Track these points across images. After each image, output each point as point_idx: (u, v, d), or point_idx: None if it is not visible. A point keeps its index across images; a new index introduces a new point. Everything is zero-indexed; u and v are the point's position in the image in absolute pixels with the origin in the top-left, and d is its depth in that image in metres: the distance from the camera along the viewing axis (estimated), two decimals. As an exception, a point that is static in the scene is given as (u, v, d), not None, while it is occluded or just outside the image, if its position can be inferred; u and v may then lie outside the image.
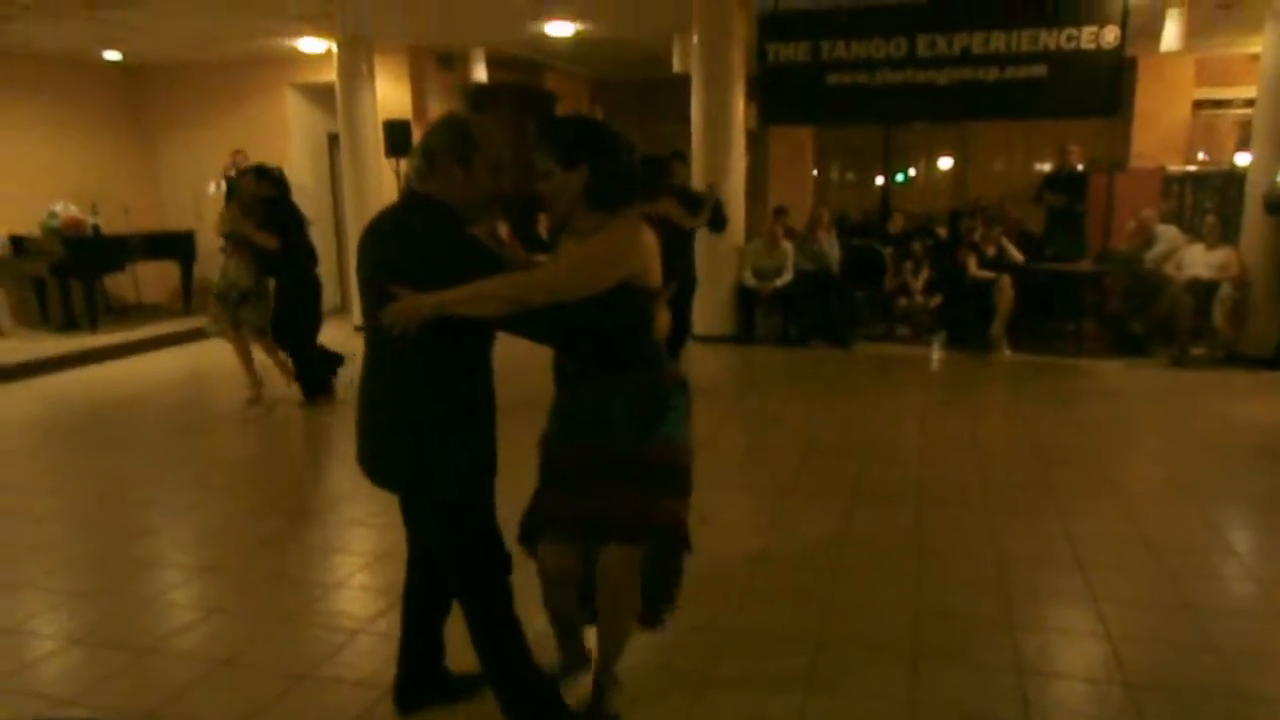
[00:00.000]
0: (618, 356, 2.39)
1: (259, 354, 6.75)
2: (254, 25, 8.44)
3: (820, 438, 5.67)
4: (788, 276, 8.62)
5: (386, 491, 2.48)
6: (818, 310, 8.68)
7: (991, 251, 8.26)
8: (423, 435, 2.28)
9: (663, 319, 2.51)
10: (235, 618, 3.36)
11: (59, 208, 9.39)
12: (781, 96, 8.59)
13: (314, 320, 6.68)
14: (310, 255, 6.64)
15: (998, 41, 7.86)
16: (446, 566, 2.48)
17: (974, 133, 12.52)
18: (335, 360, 6.86)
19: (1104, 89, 7.78)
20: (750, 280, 8.70)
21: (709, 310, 8.50)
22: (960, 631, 3.14)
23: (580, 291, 2.23)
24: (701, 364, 7.29)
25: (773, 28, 8.41)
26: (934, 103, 8.17)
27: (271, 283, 6.55)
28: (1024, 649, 3.01)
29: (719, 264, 8.51)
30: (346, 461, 5.27)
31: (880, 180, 12.82)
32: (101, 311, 9.59)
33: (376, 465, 2.42)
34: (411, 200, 2.38)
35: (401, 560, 2.72)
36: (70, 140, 10.18)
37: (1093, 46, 7.66)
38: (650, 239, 2.39)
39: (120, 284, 10.44)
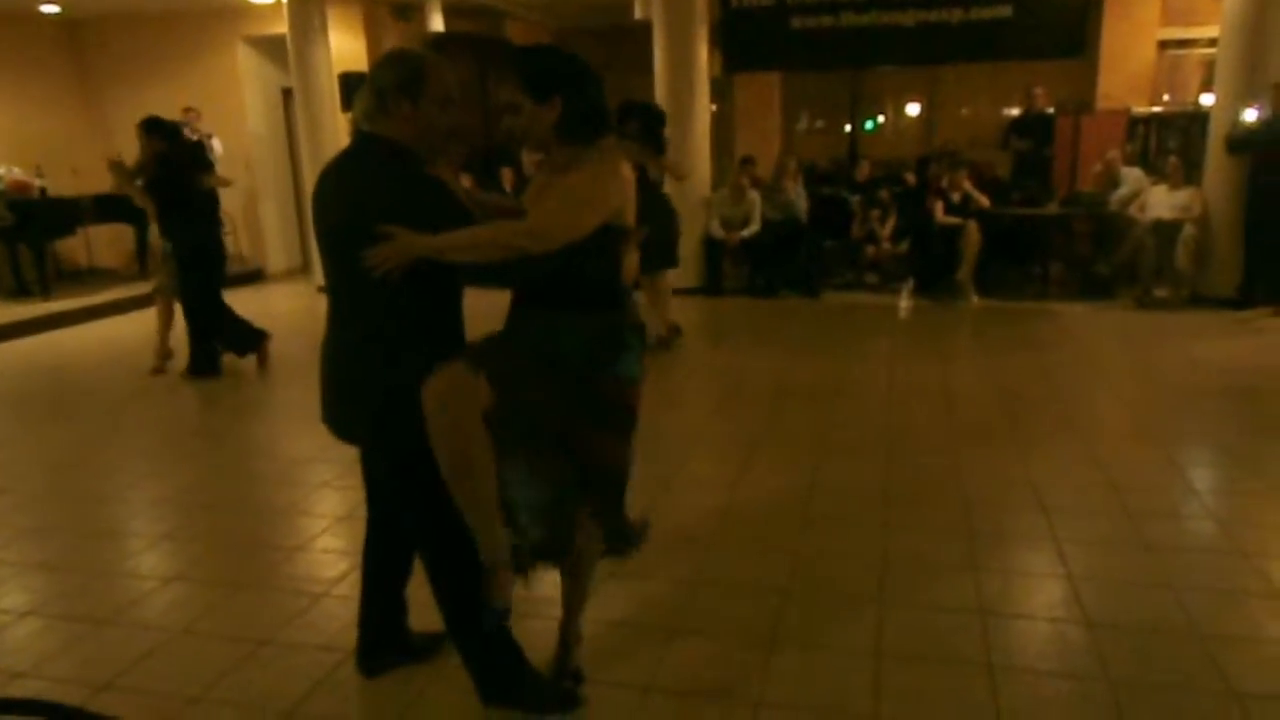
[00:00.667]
0: (584, 296, 2.31)
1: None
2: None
3: (789, 388, 5.66)
4: (755, 227, 8.55)
5: (351, 447, 2.45)
6: (786, 260, 8.63)
7: (957, 197, 8.23)
8: (385, 387, 2.22)
9: (631, 261, 2.45)
10: (195, 585, 3.31)
11: (2, 170, 9.07)
12: (745, 42, 8.46)
13: (210, 290, 6.29)
14: (205, 218, 6.30)
15: (961, -19, 7.76)
16: (407, 521, 2.43)
17: (941, 78, 12.40)
18: (256, 336, 6.51)
19: (1069, 30, 7.73)
20: (717, 231, 8.62)
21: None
22: (925, 576, 3.15)
23: (572, 233, 2.15)
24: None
25: (735, -29, 8.24)
26: (899, 46, 8.08)
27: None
28: (986, 590, 3.03)
29: (686, 215, 8.38)
30: (310, 425, 5.19)
31: (848, 128, 12.70)
32: (53, 277, 9.33)
33: (339, 418, 2.37)
34: (363, 142, 2.30)
35: (364, 522, 2.67)
36: (10, 99, 9.80)
37: (1058, -14, 7.58)
38: (628, 174, 2.32)
39: (72, 248, 10.16)
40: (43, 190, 9.26)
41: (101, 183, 10.43)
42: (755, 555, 3.37)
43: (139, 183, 6.07)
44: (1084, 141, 9.20)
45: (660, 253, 6.31)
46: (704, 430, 5.07)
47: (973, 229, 8.03)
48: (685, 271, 8.57)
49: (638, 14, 9.24)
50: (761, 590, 3.08)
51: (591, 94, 2.28)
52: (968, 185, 8.26)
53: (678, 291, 8.07)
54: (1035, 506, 3.71)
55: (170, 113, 9.63)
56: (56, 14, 9.47)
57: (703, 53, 8.45)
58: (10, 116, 9.78)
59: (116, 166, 6.23)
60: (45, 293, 8.95)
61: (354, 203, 2.18)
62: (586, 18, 12.20)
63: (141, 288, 9.56)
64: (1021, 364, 6.09)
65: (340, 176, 2.26)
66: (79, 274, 10.14)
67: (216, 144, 9.71)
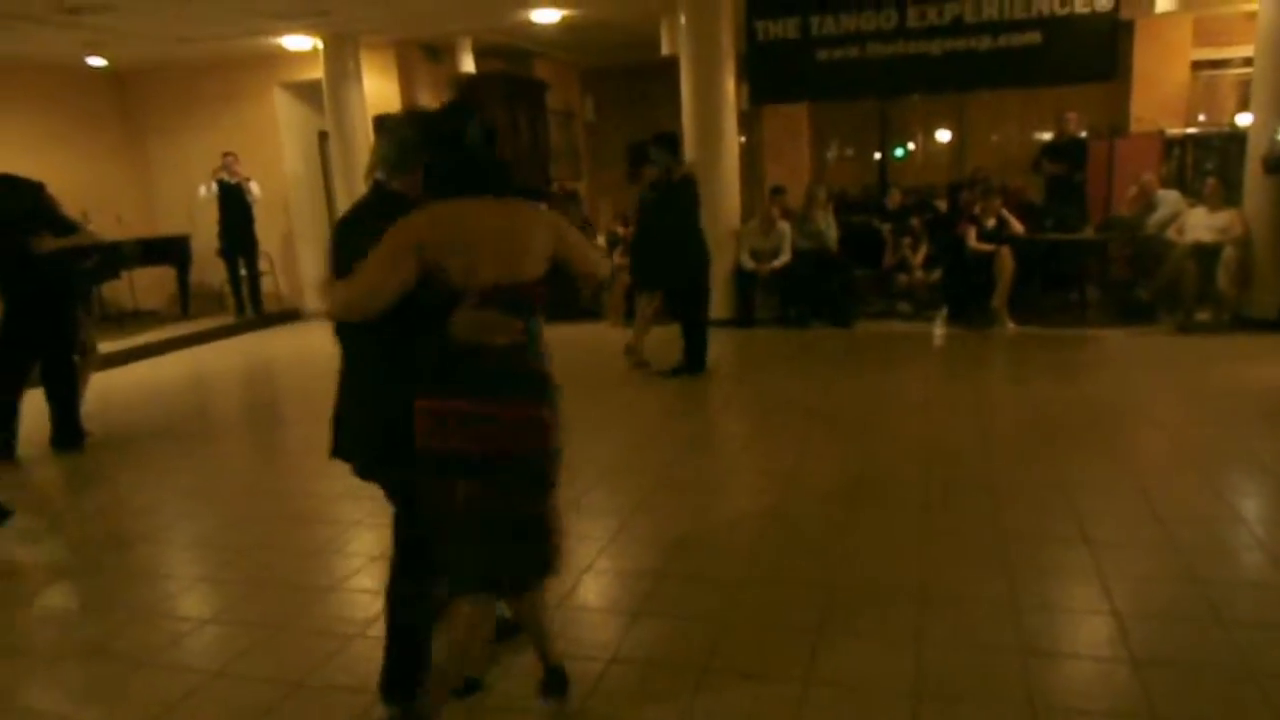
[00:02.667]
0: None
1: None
2: (231, 24, 8.35)
3: (822, 418, 5.60)
4: (785, 257, 8.53)
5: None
6: (817, 290, 8.60)
7: (991, 223, 8.15)
8: (380, 419, 2.41)
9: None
10: (231, 626, 3.32)
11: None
12: (772, 75, 8.49)
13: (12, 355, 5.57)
14: (18, 287, 5.49)
15: (990, 9, 7.74)
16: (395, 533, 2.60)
17: (971, 103, 12.37)
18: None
19: (1100, 54, 7.66)
20: (748, 262, 8.61)
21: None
22: (964, 612, 3.08)
23: (351, 301, 2.23)
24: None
25: (761, 5, 8.30)
26: (928, 75, 8.06)
27: None
28: (1028, 627, 2.95)
29: (715, 247, 8.40)
30: (341, 464, 5.24)
31: (878, 156, 12.68)
32: (99, 319, 9.56)
33: (348, 449, 2.56)
34: (377, 196, 2.44)
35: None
36: (60, 149, 10.11)
37: (1087, 10, 7.54)
38: (448, 213, 2.24)
39: (117, 291, 10.41)
40: (89, 236, 9.49)
41: (145, 228, 10.74)
42: (788, 589, 3.32)
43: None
44: (1118, 165, 9.09)
45: (649, 275, 6.73)
46: (735, 463, 5.03)
47: (1006, 255, 7.94)
48: (716, 303, 8.56)
49: (664, 49, 9.33)
50: (794, 627, 3.03)
51: (453, 156, 2.31)
52: (1003, 211, 8.19)
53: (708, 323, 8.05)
54: (1078, 538, 3.62)
55: (211, 158, 9.95)
56: (103, 66, 9.79)
57: (730, 85, 8.51)
58: (60, 164, 10.04)
59: None
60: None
61: (355, 254, 2.23)
62: (614, 54, 12.36)
63: (185, 328, 9.79)
64: (1060, 391, 5.98)
65: (353, 228, 2.41)
66: (123, 316, 10.38)
67: (254, 187, 9.94)
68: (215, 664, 3.03)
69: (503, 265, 2.24)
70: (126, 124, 11.06)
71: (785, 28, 8.23)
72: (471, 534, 2.32)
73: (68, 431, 5.76)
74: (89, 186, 10.30)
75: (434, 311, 2.22)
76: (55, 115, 10.16)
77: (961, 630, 2.97)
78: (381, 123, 2.66)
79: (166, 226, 10.87)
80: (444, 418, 2.26)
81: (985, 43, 7.83)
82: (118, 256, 9.66)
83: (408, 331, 2.28)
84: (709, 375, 6.75)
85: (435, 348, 2.26)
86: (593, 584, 3.49)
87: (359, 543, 4.03)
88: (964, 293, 8.33)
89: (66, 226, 5.69)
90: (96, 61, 9.34)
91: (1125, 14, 7.99)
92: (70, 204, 9.76)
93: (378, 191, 2.46)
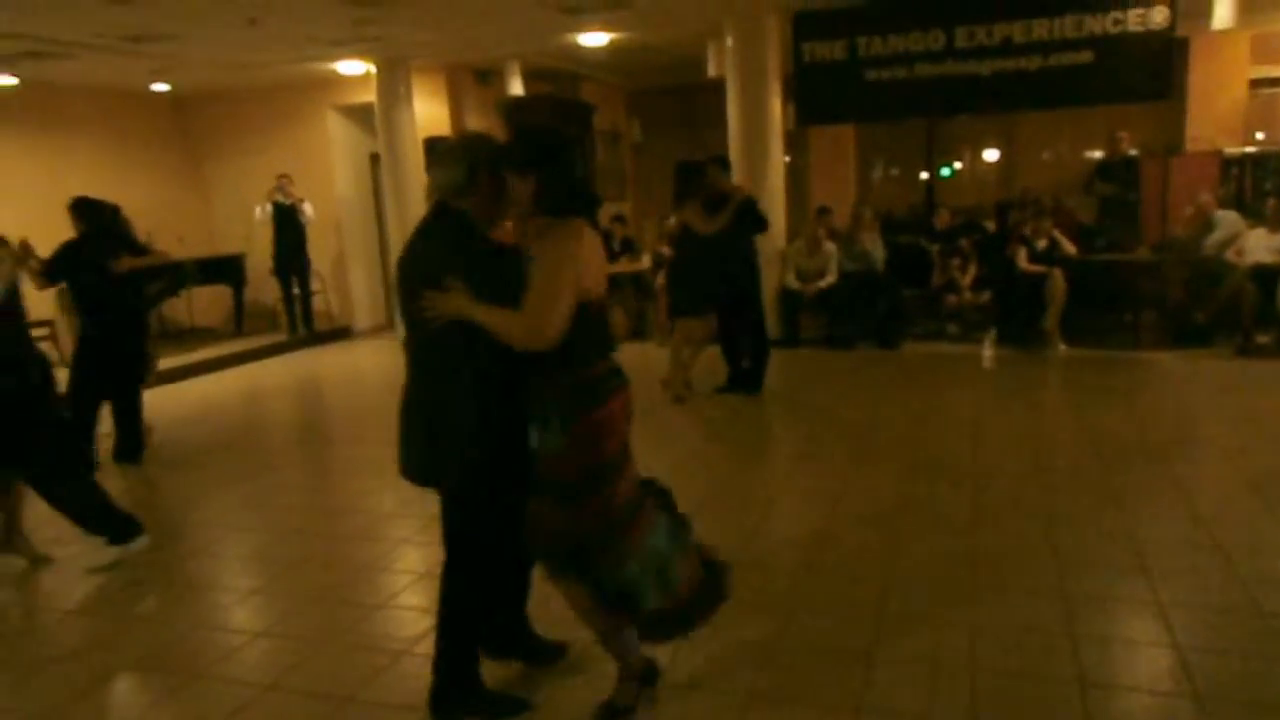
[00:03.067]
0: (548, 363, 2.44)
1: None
2: (289, 51, 8.58)
3: (869, 442, 5.55)
4: (831, 278, 8.49)
5: (431, 504, 2.68)
6: (864, 311, 8.53)
7: (1043, 244, 8.03)
8: (464, 431, 2.49)
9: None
10: (282, 640, 3.38)
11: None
12: (819, 95, 8.49)
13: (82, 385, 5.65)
14: (98, 308, 5.64)
15: (1040, 29, 7.66)
16: (454, 529, 2.65)
17: (1020, 122, 12.21)
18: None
19: (1154, 72, 7.53)
20: (793, 282, 8.59)
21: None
22: (1018, 641, 3.02)
23: (551, 324, 2.34)
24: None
25: (808, 27, 8.31)
26: (976, 95, 7.99)
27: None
28: (1085, 659, 2.88)
29: (761, 267, 8.40)
30: (391, 481, 5.30)
31: (924, 175, 12.59)
32: (158, 335, 9.82)
33: (413, 465, 2.63)
34: (444, 215, 2.57)
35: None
36: (126, 170, 10.46)
37: (1140, 29, 7.43)
38: (588, 244, 2.46)
39: (176, 308, 10.69)
40: (149, 255, 9.78)
41: (203, 247, 11.03)
42: (837, 613, 3.28)
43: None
44: (1173, 185, 8.92)
45: (688, 299, 6.64)
46: (783, 485, 4.99)
47: (1058, 276, 7.81)
48: (761, 324, 8.54)
49: (711, 71, 9.38)
50: (845, 654, 3.00)
51: (566, 174, 2.48)
52: (1055, 232, 8.07)
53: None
54: (1135, 568, 3.53)
55: (266, 180, 10.20)
56: (166, 92, 10.11)
57: (776, 107, 8.52)
58: (125, 186, 10.38)
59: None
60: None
61: (430, 273, 2.44)
62: (660, 76, 12.45)
63: (240, 345, 10.01)
64: (1114, 415, 5.85)
65: (421, 247, 2.55)
66: (181, 333, 10.66)
67: (308, 208, 10.16)
68: (268, 677, 3.08)
69: (597, 282, 2.51)
70: (187, 147, 11.40)
71: (833, 49, 8.23)
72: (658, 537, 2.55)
73: (131, 444, 5.93)
74: (152, 207, 10.62)
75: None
76: (121, 139, 10.51)
77: (1016, 660, 2.91)
78: (435, 145, 2.75)
79: (223, 246, 11.16)
80: (615, 419, 2.49)
81: (1035, 62, 7.75)
82: (179, 275, 9.95)
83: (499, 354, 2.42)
84: (755, 395, 6.72)
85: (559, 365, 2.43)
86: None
87: (406, 560, 4.08)
88: (1014, 314, 8.20)
89: (140, 247, 5.90)
90: (160, 87, 9.65)
91: (1180, 31, 7.84)
92: (136, 224, 10.13)
93: (447, 212, 2.55)
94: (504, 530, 2.56)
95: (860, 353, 8.32)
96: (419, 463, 2.61)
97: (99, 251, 5.57)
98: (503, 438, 2.48)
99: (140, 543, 4.28)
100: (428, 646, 3.17)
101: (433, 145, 9.65)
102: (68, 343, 9.51)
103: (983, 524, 4.09)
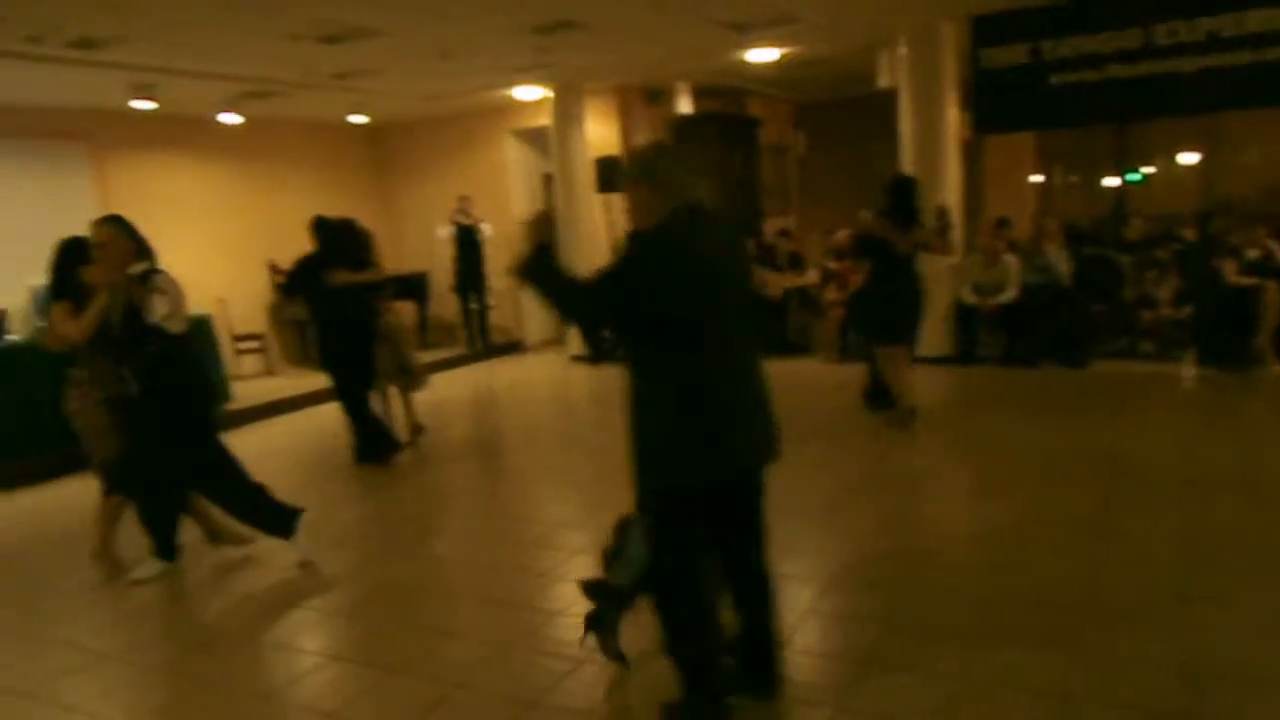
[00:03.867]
0: None
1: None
2: (476, 80, 9.08)
3: (1053, 469, 5.24)
4: (1012, 292, 8.11)
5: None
6: (1046, 326, 8.09)
7: (1254, 254, 7.36)
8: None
9: None
10: (468, 642, 3.57)
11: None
12: (999, 103, 8.14)
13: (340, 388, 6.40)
14: (322, 319, 6.39)
15: (1253, 21, 7.03)
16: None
17: (1221, 121, 11.24)
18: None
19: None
20: (970, 297, 8.26)
21: (924, 329, 8.13)
22: (1243, 694, 2.78)
23: None
24: (919, 386, 6.96)
25: (987, 32, 7.99)
26: (1177, 95, 7.43)
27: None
28: (1316, 718, 2.62)
29: (935, 282, 8.13)
30: (567, 491, 5.50)
31: (1111, 182, 11.79)
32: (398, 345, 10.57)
33: (768, 444, 2.75)
34: (715, 214, 2.72)
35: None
36: (329, 195, 11.38)
37: (1372, 16, 6.70)
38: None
39: (367, 323, 11.49)
40: (345, 273, 10.60)
41: (392, 265, 11.80)
42: (1027, 648, 3.13)
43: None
44: None
45: (885, 327, 6.33)
46: (956, 510, 4.81)
47: (1273, 290, 7.14)
48: (935, 339, 8.26)
49: (883, 83, 9.19)
50: (1042, 692, 2.86)
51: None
52: (1268, 241, 7.37)
53: (927, 360, 7.78)
54: (1374, 619, 3.17)
55: (448, 201, 10.81)
56: (363, 123, 10.95)
57: (952, 116, 8.25)
58: (327, 209, 11.22)
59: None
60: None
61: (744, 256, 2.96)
62: (828, 89, 12.31)
63: (423, 357, 10.61)
64: (1344, 446, 5.28)
65: (734, 238, 2.88)
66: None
67: (486, 228, 10.71)
68: (459, 676, 3.27)
69: None
70: (378, 172, 12.28)
71: (1014, 54, 7.87)
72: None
73: (366, 447, 6.36)
74: (348, 229, 11.53)
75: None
76: (325, 166, 11.47)
77: (1241, 716, 2.69)
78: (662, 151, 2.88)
79: (410, 264, 11.91)
80: None
81: (1245, 57, 7.12)
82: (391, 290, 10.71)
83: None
84: (924, 416, 6.49)
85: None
86: (815, 627, 3.46)
87: (581, 570, 4.21)
88: (1220, 331, 7.55)
89: (364, 261, 6.40)
90: (358, 119, 10.46)
91: None
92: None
93: (710, 212, 2.67)
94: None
95: (1042, 371, 7.90)
96: (774, 437, 2.74)
97: (322, 267, 6.15)
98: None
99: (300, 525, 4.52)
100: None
101: (602, 164, 9.94)
102: (277, 354, 10.46)
103: (1190, 563, 3.79)
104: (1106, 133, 11.40)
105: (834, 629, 3.45)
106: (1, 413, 6.63)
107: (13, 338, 6.71)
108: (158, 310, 4.10)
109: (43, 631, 3.98)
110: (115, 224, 4.17)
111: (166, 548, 4.48)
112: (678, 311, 2.49)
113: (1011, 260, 8.25)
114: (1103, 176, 12.20)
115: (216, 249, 10.02)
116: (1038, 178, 12.77)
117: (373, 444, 6.36)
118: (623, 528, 3.01)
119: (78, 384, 4.48)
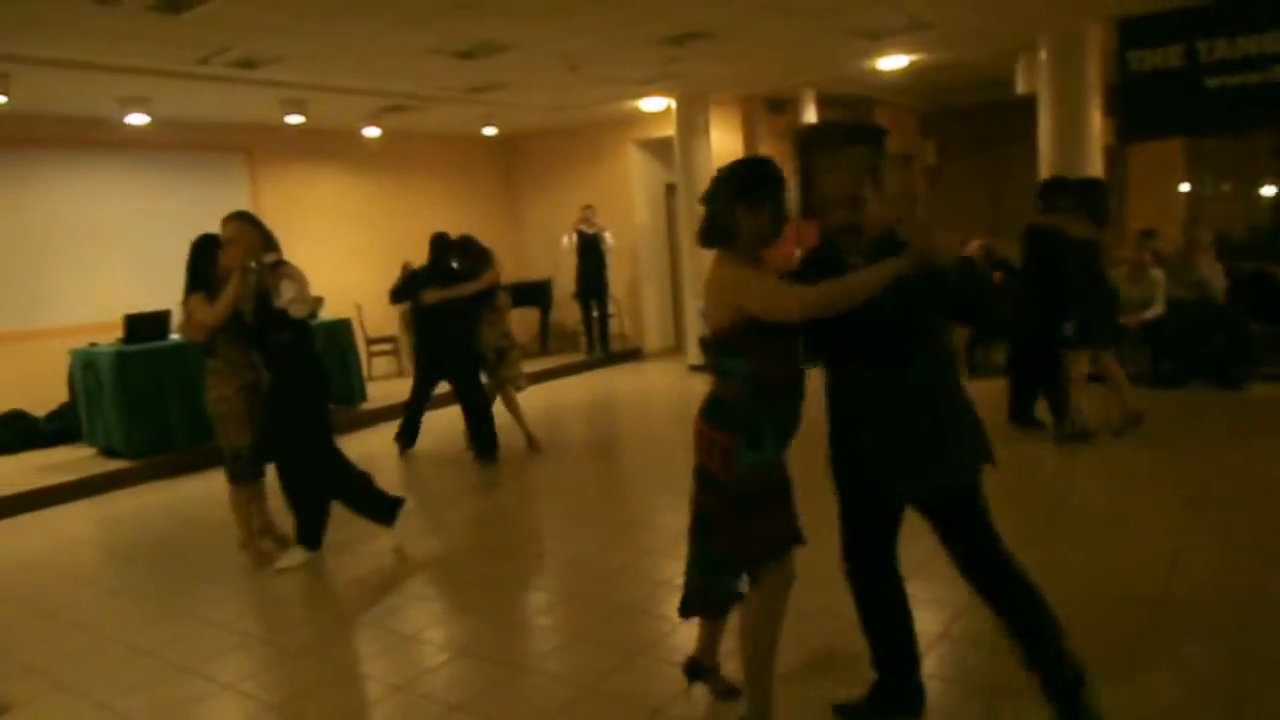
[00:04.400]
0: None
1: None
2: (604, 92, 9.25)
3: (1204, 501, 4.90)
4: (1158, 308, 7.65)
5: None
6: (1197, 346, 7.60)
7: None
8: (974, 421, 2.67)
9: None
10: (596, 645, 3.62)
11: (455, 264, 10.87)
12: (1148, 108, 7.72)
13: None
14: (417, 330, 7.05)
15: None
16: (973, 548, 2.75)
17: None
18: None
19: None
20: (1112, 313, 7.83)
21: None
22: None
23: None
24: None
25: (1137, 33, 7.60)
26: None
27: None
28: None
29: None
30: (683, 500, 5.51)
31: (1269, 191, 10.99)
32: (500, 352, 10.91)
33: (948, 465, 2.62)
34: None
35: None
36: (461, 204, 11.86)
37: None
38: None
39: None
40: (473, 280, 10.97)
41: (517, 273, 12.15)
42: (1190, 689, 2.94)
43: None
44: None
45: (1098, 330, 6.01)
46: (1104, 536, 4.57)
47: None
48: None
49: (1020, 88, 8.86)
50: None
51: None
52: None
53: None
54: None
55: (572, 211, 11.04)
56: (494, 135, 11.32)
57: (1096, 122, 7.87)
58: (456, 217, 11.70)
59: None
60: (471, 367, 10.51)
61: None
62: (959, 96, 11.96)
63: (544, 363, 10.88)
64: None
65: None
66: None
67: (609, 237, 10.87)
68: (585, 679, 3.32)
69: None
70: (506, 182, 12.65)
71: (1166, 56, 7.45)
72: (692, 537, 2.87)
73: (479, 444, 6.80)
74: (479, 236, 11.90)
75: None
76: (457, 177, 11.92)
77: None
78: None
79: (534, 272, 12.23)
80: None
81: None
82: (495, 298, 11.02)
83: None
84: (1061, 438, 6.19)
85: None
86: (947, 652, 3.35)
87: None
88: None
89: (454, 276, 6.75)
90: (489, 130, 10.83)
91: None
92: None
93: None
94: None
95: (1191, 393, 7.42)
96: (950, 463, 2.59)
97: (422, 283, 6.64)
98: None
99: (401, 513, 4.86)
100: (736, 665, 3.27)
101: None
102: (408, 355, 10.88)
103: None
104: (1262, 138, 10.64)
105: (985, 660, 3.31)
106: (168, 406, 7.18)
107: (174, 337, 7.23)
108: (285, 293, 4.40)
109: (202, 613, 4.26)
110: (244, 219, 4.54)
111: (313, 537, 4.73)
112: None
113: (1158, 274, 7.79)
114: (1259, 185, 11.39)
115: (354, 255, 10.54)
116: (1185, 186, 12.04)
117: (482, 442, 6.78)
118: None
119: (215, 373, 4.69)
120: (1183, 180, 11.97)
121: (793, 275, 2.71)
